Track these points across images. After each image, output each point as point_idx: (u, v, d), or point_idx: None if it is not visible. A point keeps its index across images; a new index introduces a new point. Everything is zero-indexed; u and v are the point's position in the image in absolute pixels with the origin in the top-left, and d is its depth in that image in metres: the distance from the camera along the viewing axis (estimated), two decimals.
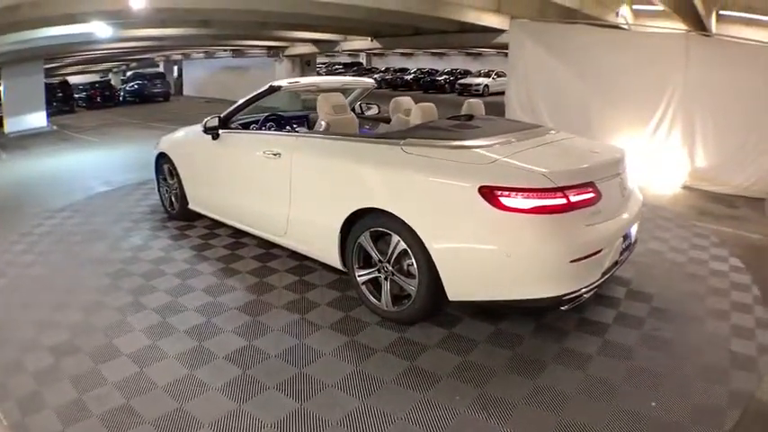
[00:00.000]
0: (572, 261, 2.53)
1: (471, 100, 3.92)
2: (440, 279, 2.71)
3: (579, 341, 2.87)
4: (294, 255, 3.87)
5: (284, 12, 9.58)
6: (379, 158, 2.96)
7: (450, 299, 2.74)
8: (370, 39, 15.65)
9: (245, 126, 4.40)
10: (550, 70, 7.53)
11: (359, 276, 3.10)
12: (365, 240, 3.00)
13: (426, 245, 2.68)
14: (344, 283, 3.47)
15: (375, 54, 35.34)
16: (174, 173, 4.67)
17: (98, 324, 3.00)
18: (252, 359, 2.65)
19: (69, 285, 3.52)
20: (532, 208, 2.46)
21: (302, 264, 3.80)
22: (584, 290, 2.62)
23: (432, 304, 2.86)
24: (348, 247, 3.11)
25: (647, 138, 6.30)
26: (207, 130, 4.04)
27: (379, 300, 3.02)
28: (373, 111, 5.18)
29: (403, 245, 2.81)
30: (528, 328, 2.97)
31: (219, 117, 4.06)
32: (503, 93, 30.16)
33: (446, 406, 2.30)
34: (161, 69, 27.25)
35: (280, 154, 3.48)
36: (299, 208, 3.39)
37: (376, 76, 32.58)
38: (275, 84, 3.89)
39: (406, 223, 2.74)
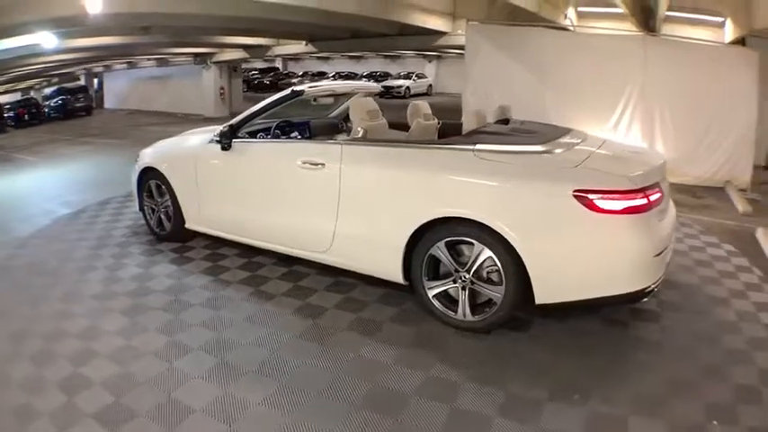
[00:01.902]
0: (655, 256, 2.55)
1: (502, 104, 3.78)
2: (526, 284, 2.58)
3: (643, 330, 2.91)
4: (325, 271, 3.47)
5: (236, 16, 8.85)
6: (455, 165, 2.74)
7: (538, 302, 2.61)
8: (304, 43, 15.01)
9: (252, 135, 3.90)
10: (507, 72, 7.62)
11: (429, 289, 2.84)
12: (439, 251, 2.75)
13: (518, 251, 2.53)
14: (395, 297, 3.16)
15: (291, 59, 34.19)
16: (165, 189, 4.02)
17: (143, 376, 2.42)
18: (353, 392, 2.29)
19: (81, 330, 2.83)
20: (624, 209, 2.46)
21: (338, 280, 3.43)
22: (658, 282, 2.64)
23: (514, 310, 2.72)
24: (415, 259, 2.84)
25: (608, 134, 6.64)
26: (220, 139, 3.51)
27: (455, 311, 2.79)
28: None
29: (488, 252, 2.62)
30: (592, 322, 2.94)
31: (231, 125, 3.55)
32: (424, 94, 30.49)
33: (581, 408, 2.20)
34: (83, 83, 24.63)
35: (323, 164, 3.09)
36: (349, 222, 3.04)
37: (294, 80, 31.56)
38: (297, 89, 3.49)
39: (492, 230, 2.57)
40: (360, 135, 3.24)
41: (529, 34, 7.42)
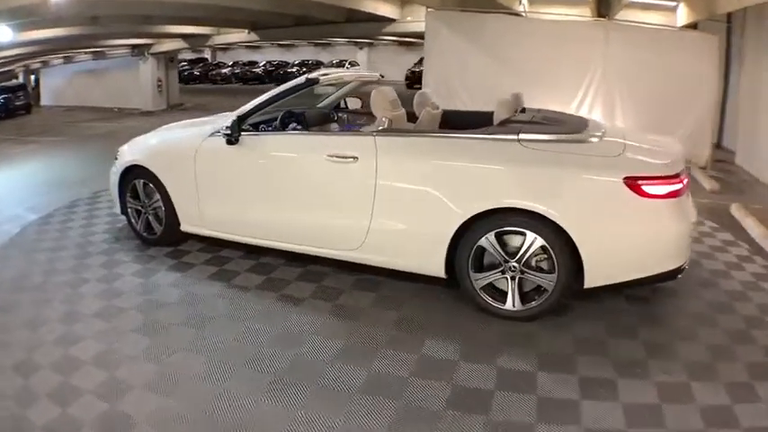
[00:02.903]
0: (689, 235, 2.63)
1: (515, 92, 3.67)
2: (577, 269, 2.56)
3: (668, 304, 3.02)
4: (344, 268, 3.22)
5: (186, 3, 8.06)
6: (503, 155, 2.64)
7: (586, 286, 2.61)
8: (246, 31, 14.08)
9: (254, 127, 3.51)
10: (469, 58, 7.46)
11: (477, 281, 2.73)
12: (489, 242, 2.65)
13: (573, 238, 2.50)
14: (428, 291, 3.01)
15: (221, 48, 32.19)
16: (154, 189, 3.54)
17: (197, 408, 2.05)
18: (434, 395, 2.13)
19: (96, 355, 2.38)
20: (667, 193, 2.52)
21: (360, 278, 3.18)
22: (688, 259, 2.73)
23: (563, 296, 2.69)
24: (461, 251, 2.71)
25: None
26: (231, 132, 3.12)
27: (504, 302, 2.71)
28: (356, 104, 4.60)
29: (540, 241, 2.56)
30: (618, 300, 2.97)
31: (239, 117, 3.16)
32: None
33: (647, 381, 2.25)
34: (21, 80, 21.65)
35: (355, 157, 2.84)
36: (386, 216, 2.83)
37: (225, 70, 29.74)
38: (311, 77, 3.19)
39: (546, 219, 2.51)
40: (385, 126, 3.02)
41: (488, 20, 7.34)
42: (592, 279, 2.58)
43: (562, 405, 2.10)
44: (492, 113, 3.51)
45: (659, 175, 2.50)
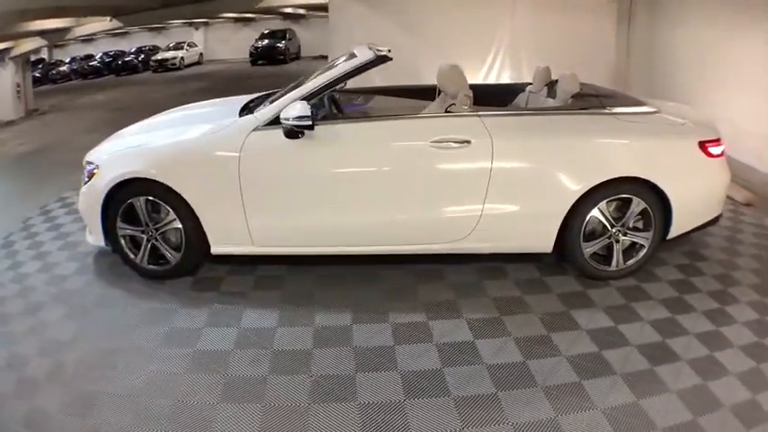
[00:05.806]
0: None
1: (541, 66, 3.57)
2: (665, 225, 2.71)
3: (702, 245, 3.21)
4: (433, 261, 2.83)
5: None
6: (610, 129, 2.62)
7: (669, 237, 2.76)
8: (109, 18, 11.33)
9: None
10: (377, 30, 6.78)
11: (587, 249, 2.67)
12: (600, 211, 2.61)
13: (670, 198, 2.61)
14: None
15: (56, 46, 26.00)
16: (167, 207, 2.56)
17: None
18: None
19: None
20: (720, 153, 2.77)
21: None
22: None
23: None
24: (573, 223, 2.60)
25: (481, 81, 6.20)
26: (307, 124, 2.36)
27: (609, 263, 2.71)
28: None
29: (642, 204, 2.62)
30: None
31: (307, 99, 2.43)
32: (196, 63, 26.76)
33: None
34: None
35: (468, 141, 2.45)
36: (501, 200, 2.55)
37: (64, 68, 24.35)
38: (382, 53, 2.66)
39: (650, 183, 2.58)
40: (467, 104, 2.69)
41: None
42: (675, 230, 2.73)
43: (710, 337, 2.26)
44: (511, 86, 3.41)
45: (715, 138, 2.73)
